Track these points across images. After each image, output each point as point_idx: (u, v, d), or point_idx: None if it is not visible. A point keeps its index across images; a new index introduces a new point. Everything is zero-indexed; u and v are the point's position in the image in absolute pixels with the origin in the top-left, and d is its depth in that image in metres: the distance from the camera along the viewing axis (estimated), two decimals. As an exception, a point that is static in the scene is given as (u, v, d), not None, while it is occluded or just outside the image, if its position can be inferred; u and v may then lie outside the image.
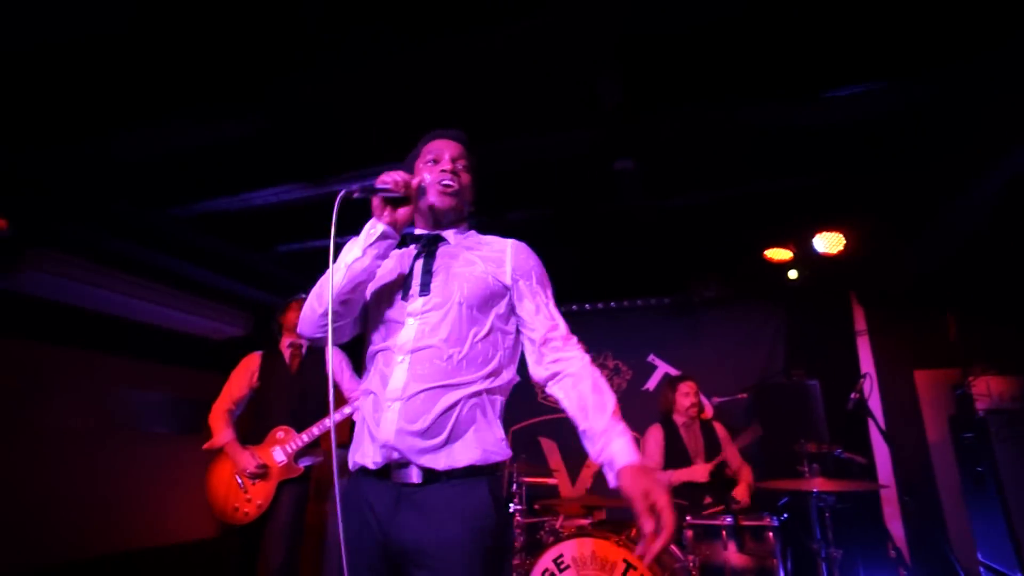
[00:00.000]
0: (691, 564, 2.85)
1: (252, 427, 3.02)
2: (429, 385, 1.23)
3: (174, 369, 4.54)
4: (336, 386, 3.15)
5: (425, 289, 1.33)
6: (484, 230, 1.53)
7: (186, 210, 3.35)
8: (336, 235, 1.21)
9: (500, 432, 1.29)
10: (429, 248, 1.41)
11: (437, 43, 2.17)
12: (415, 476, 1.21)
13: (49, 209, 3.11)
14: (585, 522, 3.14)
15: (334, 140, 2.64)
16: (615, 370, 4.97)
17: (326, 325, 1.26)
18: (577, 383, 1.31)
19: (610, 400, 1.27)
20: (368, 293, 1.39)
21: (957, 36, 2.14)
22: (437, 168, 1.43)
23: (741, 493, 3.35)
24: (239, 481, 2.89)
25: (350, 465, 1.31)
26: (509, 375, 1.35)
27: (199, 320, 4.34)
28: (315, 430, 2.94)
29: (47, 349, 3.71)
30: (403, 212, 1.32)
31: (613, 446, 1.20)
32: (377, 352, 1.34)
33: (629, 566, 2.67)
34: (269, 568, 2.76)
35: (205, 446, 2.99)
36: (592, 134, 2.67)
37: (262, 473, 2.85)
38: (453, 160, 1.44)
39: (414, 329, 1.29)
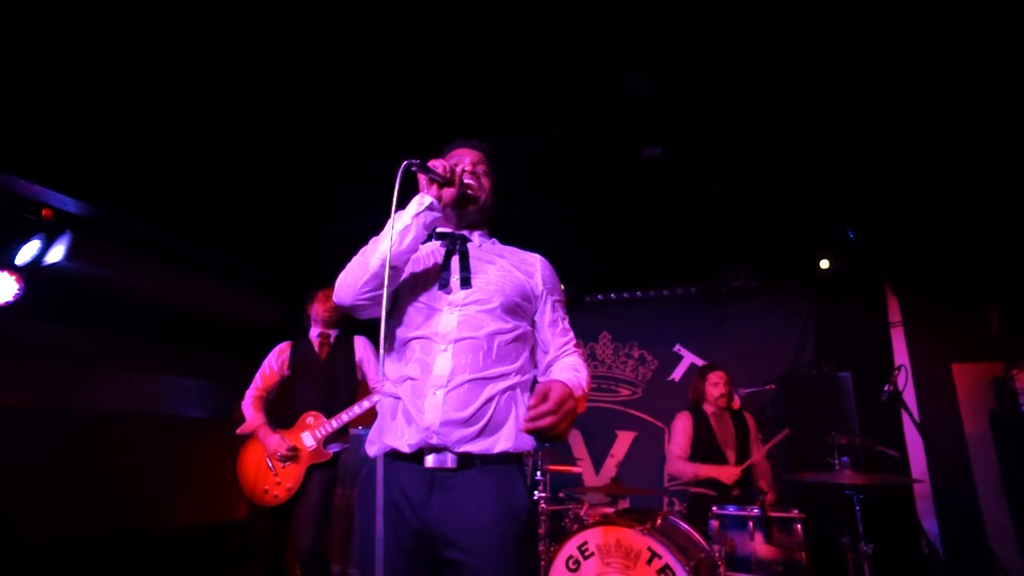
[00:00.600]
0: (716, 554, 2.83)
1: (283, 413, 3.09)
2: (472, 376, 1.29)
3: (207, 356, 4.67)
4: (362, 374, 3.21)
5: (467, 283, 1.39)
6: (505, 232, 1.63)
7: (223, 201, 3.43)
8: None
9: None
10: (461, 246, 1.48)
11: (465, 33, 2.17)
12: (450, 461, 1.25)
13: (92, 199, 3.21)
14: (609, 510, 3.14)
15: (351, 131, 2.67)
16: (640, 360, 4.93)
17: (367, 293, 1.32)
18: (564, 368, 1.45)
19: (582, 373, 1.40)
20: (402, 280, 1.43)
21: (989, 18, 2.04)
22: (470, 166, 1.53)
23: (766, 484, 3.31)
24: (269, 465, 2.96)
25: (375, 450, 1.34)
26: (532, 369, 1.46)
27: (232, 308, 4.45)
28: (344, 416, 3.00)
29: (88, 335, 3.86)
30: (448, 193, 1.39)
31: (552, 373, 1.41)
32: (413, 339, 1.38)
33: (654, 555, 2.67)
34: (298, 550, 2.83)
35: (238, 431, 3.08)
36: (621, 121, 2.64)
37: (292, 456, 2.92)
38: (474, 164, 1.54)
39: (455, 320, 1.35)
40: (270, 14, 2.13)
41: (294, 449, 2.93)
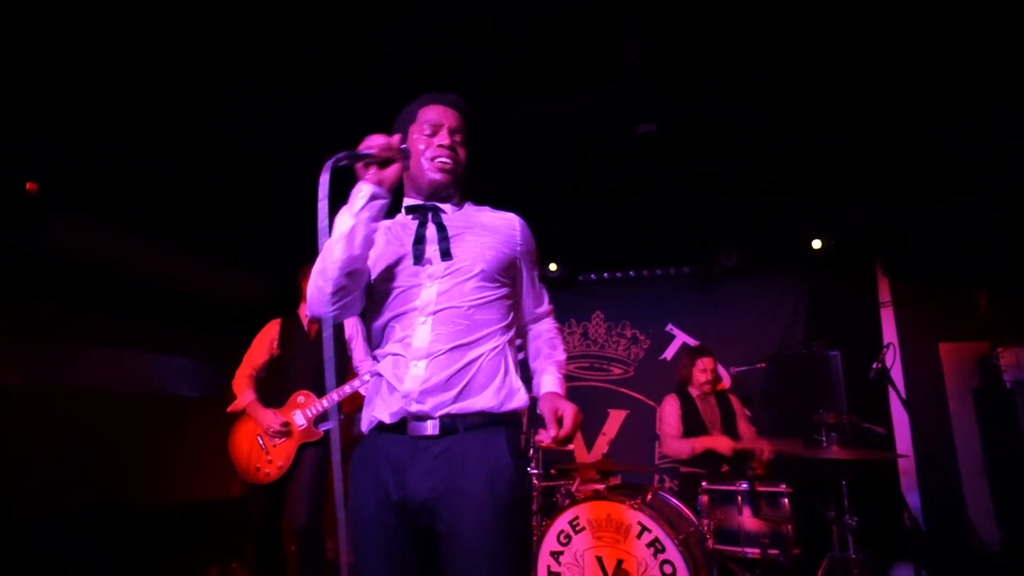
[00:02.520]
0: (705, 528, 2.89)
1: (274, 391, 3.09)
2: (452, 344, 1.26)
3: (198, 334, 4.65)
4: (348, 354, 3.20)
5: (446, 255, 1.34)
6: (485, 199, 1.55)
7: (212, 176, 3.38)
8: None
9: (518, 382, 1.33)
10: (434, 216, 1.41)
11: (457, 4, 2.12)
12: (432, 428, 1.23)
13: (79, 174, 3.15)
14: (600, 486, 3.18)
15: (347, 106, 2.63)
16: (633, 339, 4.97)
17: (337, 303, 1.26)
18: (537, 337, 1.52)
19: (558, 353, 1.49)
20: (373, 263, 1.37)
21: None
22: (434, 142, 1.40)
23: (763, 447, 3.37)
24: (261, 443, 2.97)
25: (364, 425, 1.34)
26: (514, 324, 1.44)
27: (223, 286, 4.42)
28: (335, 395, 3.00)
29: (76, 313, 3.82)
30: (390, 171, 1.30)
31: (543, 381, 1.44)
32: (392, 319, 1.34)
33: (644, 529, 2.72)
34: (293, 527, 2.86)
35: (229, 408, 3.08)
36: (616, 97, 2.61)
37: (285, 431, 2.93)
38: (451, 133, 1.42)
39: (434, 292, 1.31)
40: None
41: (286, 425, 2.94)
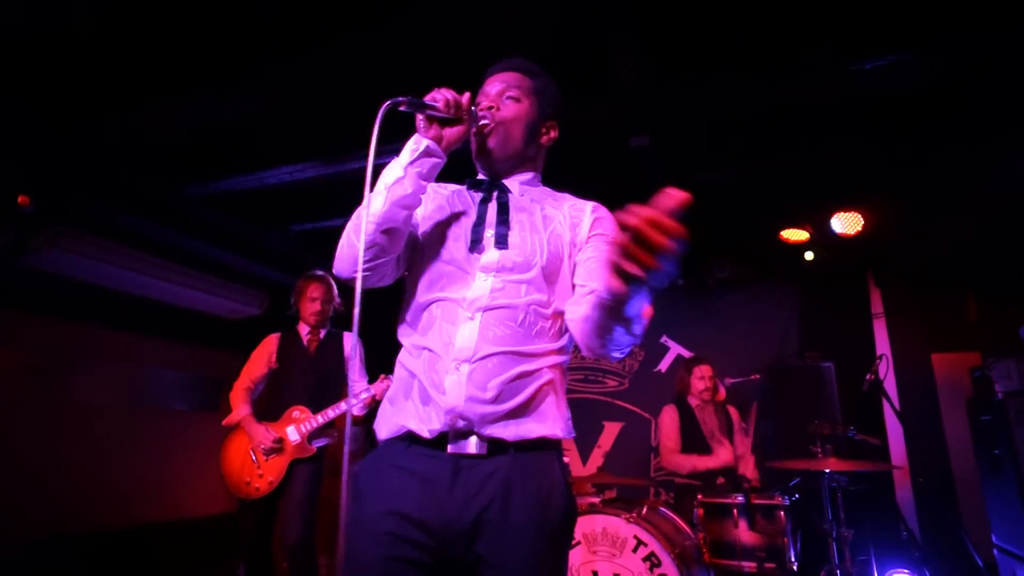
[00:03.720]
0: (701, 541, 2.87)
1: (269, 406, 3.07)
2: (503, 349, 1.10)
3: (191, 348, 4.62)
4: (344, 370, 3.18)
5: (502, 243, 1.18)
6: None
7: (203, 189, 3.38)
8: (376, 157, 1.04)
9: (567, 411, 1.19)
10: (499, 195, 1.25)
11: (445, 16, 2.14)
12: (477, 447, 1.07)
13: (70, 187, 3.14)
14: (595, 499, 3.16)
15: (348, 116, 2.64)
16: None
17: (367, 261, 1.11)
18: None
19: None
20: (422, 232, 1.25)
21: (987, 7, 2.07)
22: (484, 102, 1.26)
23: (749, 470, 3.37)
24: (253, 457, 2.95)
25: (385, 432, 1.16)
26: (570, 351, 1.25)
27: (216, 300, 4.40)
28: (331, 412, 2.98)
29: (69, 327, 3.80)
30: (453, 131, 1.17)
31: None
32: (433, 302, 1.17)
33: (639, 542, 2.70)
34: (286, 542, 2.83)
35: (224, 422, 3.06)
36: (608, 110, 2.63)
37: (277, 448, 2.90)
38: (498, 94, 1.26)
39: (488, 285, 1.14)
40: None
41: (279, 441, 2.91)
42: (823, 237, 3.85)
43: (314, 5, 2.13)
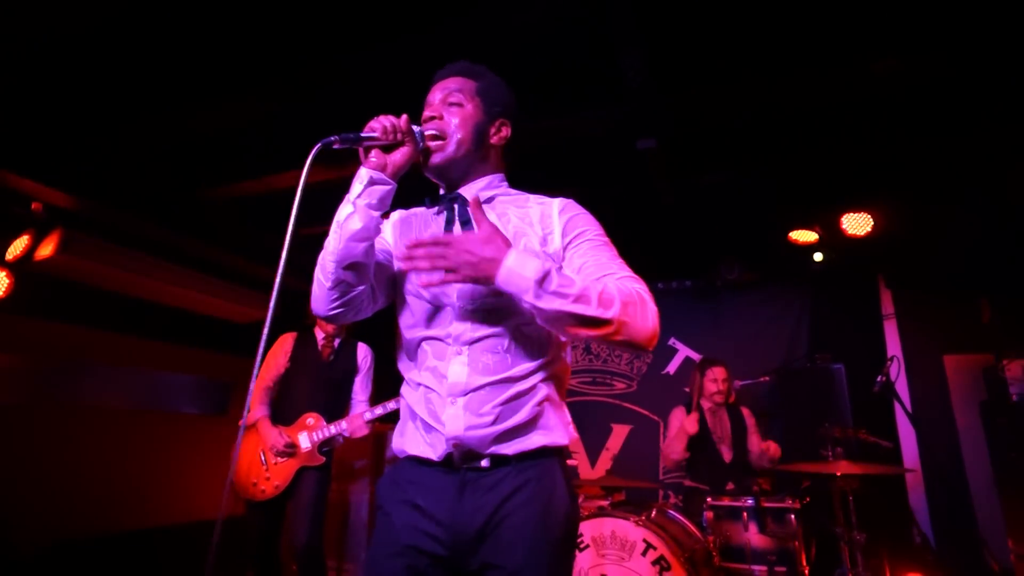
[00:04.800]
0: (711, 545, 2.85)
1: (278, 408, 3.07)
2: (494, 378, 1.13)
3: (200, 351, 4.64)
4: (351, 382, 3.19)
5: None
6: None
7: (212, 192, 3.40)
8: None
9: (567, 416, 1.22)
10: (461, 212, 1.22)
11: (455, 22, 2.15)
12: (483, 463, 1.12)
13: (80, 192, 3.18)
14: (604, 502, 3.14)
15: (353, 119, 2.65)
16: (635, 353, 4.95)
17: (336, 301, 1.16)
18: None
19: (612, 284, 1.12)
20: (398, 266, 1.26)
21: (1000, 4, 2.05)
22: (425, 113, 1.25)
23: (770, 460, 3.34)
24: (262, 459, 2.96)
25: (398, 451, 1.23)
26: (567, 352, 1.27)
27: (225, 303, 4.43)
28: (345, 424, 2.99)
29: (78, 331, 3.83)
30: (399, 155, 1.16)
31: None
32: (422, 340, 1.20)
33: (649, 546, 2.68)
34: (294, 545, 2.83)
35: (240, 422, 3.05)
36: (615, 112, 2.63)
37: (290, 452, 2.91)
38: (440, 102, 1.25)
39: (468, 315, 1.16)
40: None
41: (292, 445, 2.92)
42: (832, 238, 3.82)
43: (324, 13, 2.14)
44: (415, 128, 1.19)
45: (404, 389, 1.25)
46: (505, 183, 1.34)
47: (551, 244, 1.21)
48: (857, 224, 3.66)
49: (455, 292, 1.17)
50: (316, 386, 3.07)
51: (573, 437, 1.22)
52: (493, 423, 1.11)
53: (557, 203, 1.26)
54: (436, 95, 1.27)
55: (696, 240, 4.31)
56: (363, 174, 1.15)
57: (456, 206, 1.24)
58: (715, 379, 3.57)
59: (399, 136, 1.16)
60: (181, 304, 4.24)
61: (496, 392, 1.13)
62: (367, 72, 2.39)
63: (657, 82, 2.42)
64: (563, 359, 1.25)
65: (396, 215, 1.37)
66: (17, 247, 3.20)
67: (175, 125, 2.78)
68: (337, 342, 3.18)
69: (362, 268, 1.16)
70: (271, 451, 2.92)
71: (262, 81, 2.48)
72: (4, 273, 3.16)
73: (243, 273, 4.38)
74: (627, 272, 1.20)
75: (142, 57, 2.33)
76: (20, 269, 3.22)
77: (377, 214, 1.16)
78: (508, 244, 1.05)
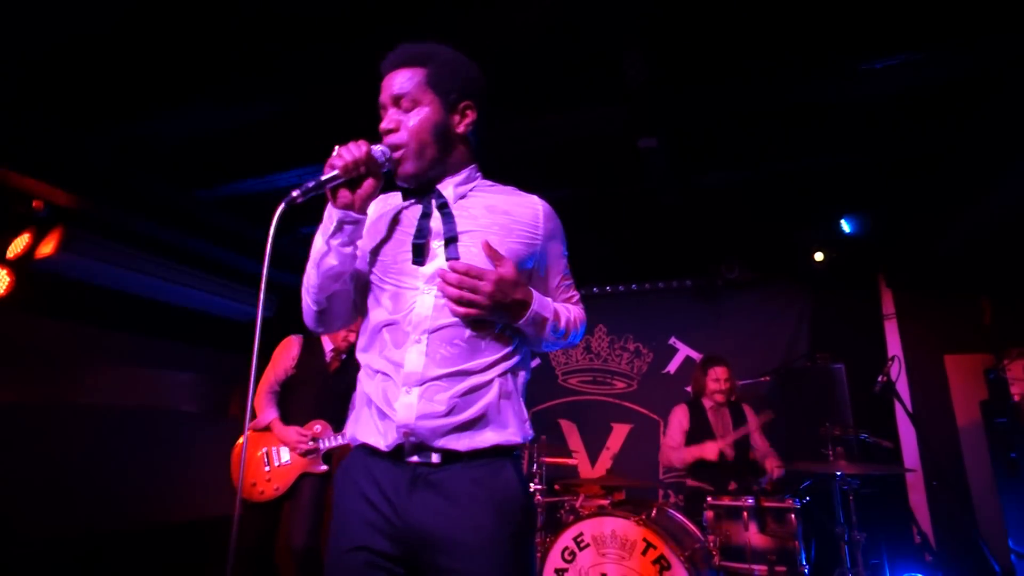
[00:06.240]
0: (711, 544, 2.85)
1: (283, 412, 3.06)
2: (450, 370, 1.11)
3: (201, 350, 4.64)
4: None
5: (453, 254, 1.15)
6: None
7: (212, 191, 3.40)
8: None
9: (524, 413, 1.20)
10: (440, 208, 1.19)
11: (456, 20, 2.15)
12: (434, 457, 1.10)
13: (82, 191, 3.18)
14: (605, 502, 3.15)
15: (356, 118, 2.65)
16: (636, 353, 4.95)
17: (322, 321, 1.24)
18: None
19: (570, 314, 1.29)
20: (367, 253, 1.23)
21: (1001, 5, 2.04)
22: (381, 124, 1.20)
23: (773, 467, 3.33)
24: (264, 460, 2.96)
25: (349, 437, 1.23)
26: (525, 352, 1.26)
27: (225, 302, 4.43)
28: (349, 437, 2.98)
29: (80, 329, 3.83)
30: (363, 189, 1.13)
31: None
32: (384, 326, 1.18)
33: (649, 545, 2.68)
34: (293, 547, 2.83)
35: (250, 425, 3.05)
36: (617, 111, 2.63)
37: (313, 448, 2.90)
38: (394, 107, 1.18)
39: (431, 303, 1.14)
40: None
41: (316, 439, 2.92)
42: (833, 238, 3.82)
43: (323, 11, 2.14)
44: (376, 149, 1.15)
45: (361, 376, 1.23)
46: (479, 172, 1.30)
47: (535, 245, 1.24)
48: (858, 223, 3.65)
49: (422, 279, 1.16)
50: (323, 396, 3.06)
51: (528, 435, 1.19)
52: (446, 414, 1.09)
53: (541, 207, 1.27)
54: (386, 96, 1.19)
55: (697, 239, 4.31)
56: (333, 215, 1.14)
57: (435, 202, 1.21)
58: (717, 378, 3.58)
59: (361, 169, 1.12)
60: (181, 302, 4.25)
61: (452, 383, 1.11)
62: (367, 71, 2.38)
63: (659, 81, 2.41)
64: (524, 354, 1.24)
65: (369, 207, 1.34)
66: (18, 245, 3.20)
67: (176, 123, 2.78)
68: (344, 356, 3.17)
69: (342, 294, 1.21)
70: (293, 449, 2.91)
71: (263, 79, 2.47)
72: (5, 271, 3.16)
73: (244, 271, 4.38)
74: (576, 296, 1.36)
75: (143, 56, 2.33)
76: (21, 267, 3.22)
77: (350, 249, 1.16)
78: (527, 286, 1.17)
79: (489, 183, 1.30)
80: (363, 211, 1.16)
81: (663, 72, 2.39)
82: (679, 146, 2.95)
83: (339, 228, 1.14)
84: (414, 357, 1.12)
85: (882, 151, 3.00)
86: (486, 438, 1.11)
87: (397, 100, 1.18)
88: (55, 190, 3.06)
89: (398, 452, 1.11)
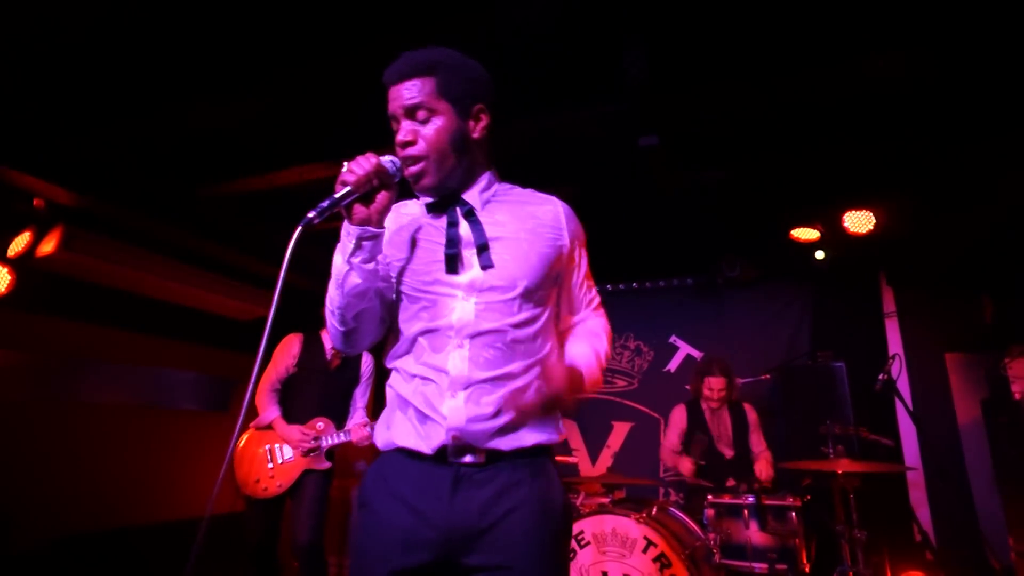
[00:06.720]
0: (712, 542, 2.85)
1: (285, 410, 3.06)
2: (494, 374, 1.13)
3: (202, 348, 4.65)
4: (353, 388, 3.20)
5: (487, 263, 1.16)
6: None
7: (213, 189, 3.40)
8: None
9: (558, 413, 1.23)
10: (468, 216, 1.20)
11: (456, 19, 2.15)
12: (476, 457, 1.11)
13: (82, 189, 3.18)
14: (605, 500, 3.15)
15: (357, 115, 2.65)
16: (637, 351, 4.95)
17: (350, 341, 1.20)
18: (581, 325, 1.36)
19: (600, 342, 1.33)
20: (396, 262, 1.22)
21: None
22: (397, 137, 1.18)
23: (761, 470, 3.34)
24: (268, 456, 2.96)
25: (383, 444, 1.20)
26: (558, 350, 1.29)
27: (226, 300, 4.43)
28: (352, 434, 2.99)
29: (80, 328, 3.83)
30: (378, 203, 1.12)
31: (573, 350, 1.28)
32: (421, 333, 1.17)
33: (649, 543, 2.69)
34: (296, 543, 2.84)
35: (252, 424, 3.06)
36: (617, 110, 2.62)
37: (315, 447, 2.91)
38: (407, 114, 1.16)
39: (471, 308, 1.14)
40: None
41: (318, 438, 2.93)
42: (834, 236, 3.82)
43: (325, 10, 2.14)
44: (386, 160, 1.13)
45: (394, 379, 1.22)
46: (497, 176, 1.30)
47: (562, 247, 1.25)
48: (859, 221, 3.65)
49: (460, 288, 1.16)
50: (325, 393, 3.07)
51: (563, 434, 1.23)
52: (493, 416, 1.11)
53: (562, 208, 1.29)
54: (397, 107, 1.16)
55: (698, 237, 4.31)
56: (352, 232, 1.12)
57: (461, 210, 1.21)
58: (711, 388, 3.57)
59: (374, 183, 1.11)
60: (182, 300, 4.24)
61: (496, 387, 1.13)
62: (367, 70, 2.38)
63: (659, 79, 2.41)
64: (556, 357, 1.26)
65: (388, 216, 1.32)
66: (19, 244, 3.20)
67: (177, 121, 2.77)
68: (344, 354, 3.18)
69: (369, 311, 1.18)
70: (296, 448, 2.92)
71: (265, 77, 2.47)
72: (6, 270, 3.16)
73: (244, 269, 4.38)
74: (597, 298, 1.41)
75: (144, 53, 2.33)
76: (22, 266, 3.22)
77: (372, 265, 1.14)
78: (578, 372, 1.19)
79: (508, 186, 1.31)
80: (380, 224, 1.14)
81: (664, 70, 2.38)
82: (680, 144, 2.95)
83: (359, 246, 1.12)
84: (457, 362, 1.13)
85: (883, 147, 2.99)
86: (528, 438, 1.14)
87: (410, 112, 1.15)
88: (56, 188, 3.06)
89: (440, 455, 1.11)
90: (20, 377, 3.50)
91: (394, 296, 1.24)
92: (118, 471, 3.90)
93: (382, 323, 1.24)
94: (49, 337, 3.66)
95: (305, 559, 2.82)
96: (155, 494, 4.15)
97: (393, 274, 1.23)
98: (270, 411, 3.01)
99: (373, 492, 1.16)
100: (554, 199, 1.30)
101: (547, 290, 1.23)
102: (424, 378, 1.15)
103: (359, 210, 1.11)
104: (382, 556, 1.08)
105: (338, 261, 1.15)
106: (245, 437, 3.07)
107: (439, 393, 1.12)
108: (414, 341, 1.19)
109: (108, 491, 3.82)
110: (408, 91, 1.15)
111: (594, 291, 1.38)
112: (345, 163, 1.11)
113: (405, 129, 1.16)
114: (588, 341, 1.30)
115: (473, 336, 1.14)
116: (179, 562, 4.12)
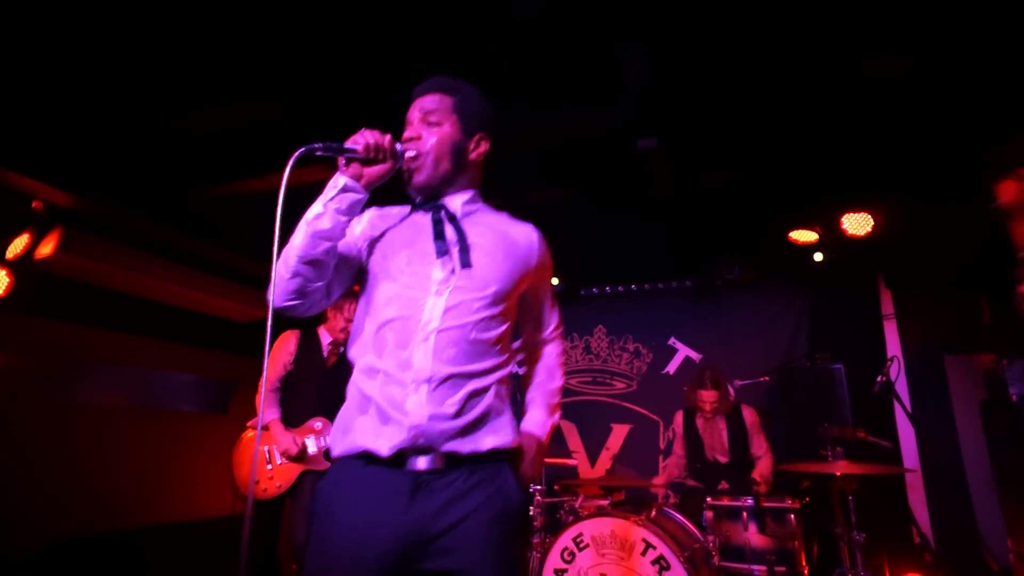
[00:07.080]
0: (711, 544, 2.85)
1: (283, 409, 3.05)
2: (456, 370, 1.15)
3: (201, 350, 4.64)
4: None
5: (467, 261, 1.22)
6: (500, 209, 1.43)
7: (211, 191, 3.40)
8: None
9: (514, 419, 1.28)
10: (450, 218, 1.28)
11: (453, 18, 2.15)
12: (435, 462, 1.12)
13: (80, 191, 3.18)
14: (604, 502, 3.15)
15: (357, 117, 2.65)
16: (635, 353, 4.95)
17: (291, 292, 1.18)
18: (539, 361, 1.51)
19: (555, 381, 1.49)
20: (372, 256, 1.29)
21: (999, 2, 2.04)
22: (405, 133, 1.30)
23: (761, 473, 3.34)
24: (267, 458, 2.96)
25: (340, 449, 1.19)
26: (513, 362, 1.34)
27: (225, 302, 4.43)
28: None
29: (79, 330, 3.83)
30: (375, 170, 1.21)
31: (530, 414, 1.45)
32: (386, 324, 1.20)
33: (648, 546, 2.68)
34: (296, 544, 2.84)
35: (250, 423, 3.05)
36: (616, 112, 2.63)
37: (302, 457, 2.90)
38: (419, 122, 1.29)
39: (442, 305, 1.18)
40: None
41: (304, 450, 2.92)
42: (833, 238, 3.82)
43: (323, 10, 2.14)
44: (398, 145, 1.24)
45: (357, 377, 1.23)
46: (480, 197, 1.40)
47: (532, 268, 1.35)
48: (857, 224, 3.65)
49: (434, 281, 1.21)
50: (322, 391, 3.05)
51: (518, 440, 1.26)
52: (454, 416, 1.13)
53: (536, 235, 1.39)
54: (415, 113, 1.31)
55: (696, 239, 4.31)
56: (338, 180, 1.20)
57: (445, 214, 1.30)
58: (703, 400, 3.56)
59: (380, 156, 1.20)
60: (181, 303, 4.24)
61: (457, 385, 1.15)
62: (367, 69, 2.39)
63: (658, 81, 2.41)
64: (513, 364, 1.32)
65: (371, 211, 1.40)
66: (17, 246, 3.19)
67: (176, 123, 2.77)
68: (342, 349, 3.17)
69: (322, 265, 1.20)
70: (283, 455, 2.91)
71: (264, 79, 2.47)
72: (4, 272, 3.15)
73: (243, 272, 4.38)
74: (559, 319, 1.52)
75: (142, 56, 2.33)
76: (20, 268, 3.22)
77: (345, 219, 1.20)
78: (543, 445, 1.42)
79: (489, 208, 1.40)
80: (367, 190, 1.22)
81: (663, 72, 2.39)
82: (679, 146, 2.95)
83: (341, 191, 1.19)
84: (421, 356, 1.15)
85: (882, 150, 2.99)
86: (486, 441, 1.16)
87: (424, 116, 1.29)
88: (54, 191, 3.06)
89: (398, 458, 1.12)
90: (19, 379, 3.50)
91: (346, 287, 1.31)
92: (117, 474, 3.89)
93: (326, 292, 1.26)
94: (48, 339, 3.65)
95: (303, 560, 2.81)
96: (154, 497, 4.14)
97: (370, 264, 1.30)
98: (269, 412, 3.01)
99: (329, 498, 1.16)
100: (530, 226, 1.40)
101: (511, 303, 1.30)
102: (387, 373, 1.16)
103: (355, 167, 1.21)
104: (337, 567, 1.09)
105: (315, 206, 1.20)
106: (244, 437, 3.07)
107: (402, 390, 1.14)
108: (379, 332, 1.21)
109: (107, 494, 3.81)
110: (430, 101, 1.31)
111: (556, 311, 1.51)
112: (363, 128, 1.22)
113: (414, 127, 1.29)
114: (542, 396, 1.47)
115: (440, 331, 1.17)
116: (178, 564, 4.15)
